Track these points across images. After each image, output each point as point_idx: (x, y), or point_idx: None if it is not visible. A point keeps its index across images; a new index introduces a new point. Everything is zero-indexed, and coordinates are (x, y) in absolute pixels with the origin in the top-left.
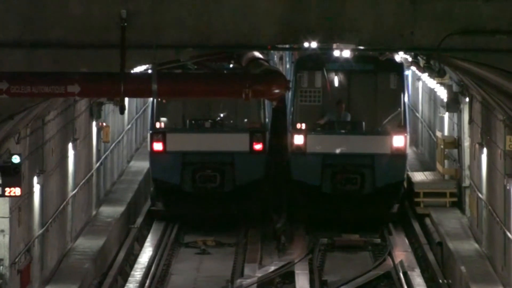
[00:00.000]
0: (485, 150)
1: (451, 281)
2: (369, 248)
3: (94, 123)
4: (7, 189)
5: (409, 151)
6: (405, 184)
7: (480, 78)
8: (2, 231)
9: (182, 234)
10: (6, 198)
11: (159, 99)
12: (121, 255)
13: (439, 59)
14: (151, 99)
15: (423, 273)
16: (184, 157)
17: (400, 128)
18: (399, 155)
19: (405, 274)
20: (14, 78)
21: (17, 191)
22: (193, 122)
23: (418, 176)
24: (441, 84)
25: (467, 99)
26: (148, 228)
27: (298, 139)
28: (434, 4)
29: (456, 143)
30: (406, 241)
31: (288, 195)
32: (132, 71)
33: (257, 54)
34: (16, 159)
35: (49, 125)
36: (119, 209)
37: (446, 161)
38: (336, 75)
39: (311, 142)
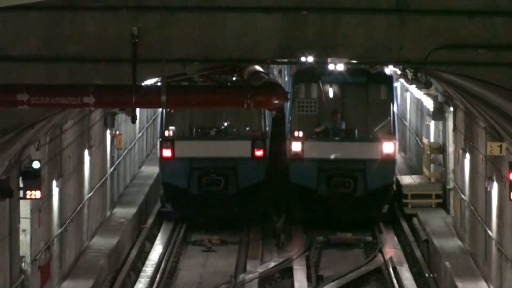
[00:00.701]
0: (468, 155)
1: (436, 275)
2: (361, 245)
3: (108, 131)
4: (28, 192)
5: (398, 157)
6: (394, 187)
7: (463, 89)
8: (24, 230)
9: (190, 233)
10: (27, 200)
11: (168, 109)
12: (134, 252)
13: (426, 72)
14: (160, 109)
15: (411, 268)
16: (191, 163)
17: (390, 135)
18: (389, 160)
19: (394, 269)
20: (34, 90)
21: (37, 194)
22: (199, 130)
23: (406, 179)
24: (428, 94)
25: (451, 109)
26: (158, 228)
27: (296, 146)
28: (421, 21)
29: (441, 149)
30: (395, 239)
31: (287, 197)
32: (142, 84)
33: (258, 67)
34: (36, 164)
35: (67, 133)
36: (131, 211)
37: (432, 166)
38: (330, 86)
39: (308, 148)
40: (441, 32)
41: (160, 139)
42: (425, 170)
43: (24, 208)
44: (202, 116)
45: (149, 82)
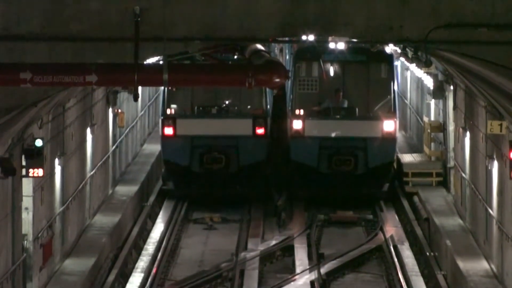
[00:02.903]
0: (468, 133)
1: (437, 253)
2: (362, 223)
3: (110, 109)
4: (31, 170)
5: (399, 135)
6: (395, 165)
7: (463, 68)
8: (26, 208)
9: (191, 211)
10: (30, 178)
11: (170, 88)
12: (135, 230)
13: (426, 50)
14: (162, 87)
15: (412, 246)
16: (192, 141)
17: (390, 113)
18: (389, 139)
19: (395, 247)
20: (36, 68)
21: (39, 172)
22: (200, 108)
23: (407, 158)
24: (428, 73)
25: (452, 87)
26: (160, 206)
27: (297, 124)
28: (421, 0)
29: (441, 127)
30: (396, 217)
31: (288, 175)
32: (145, 62)
33: (259, 46)
34: (39, 142)
35: (69, 112)
36: (133, 189)
37: (432, 144)
38: (331, 65)
39: (309, 126)
40: (441, 11)
41: (162, 117)
42: (425, 148)
43: (27, 186)
44: (203, 94)
45: (151, 60)
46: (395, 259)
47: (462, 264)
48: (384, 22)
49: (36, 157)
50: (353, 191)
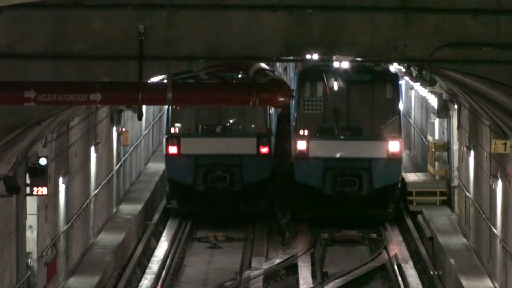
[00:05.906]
0: (472, 152)
1: (441, 272)
2: (366, 242)
3: (114, 128)
4: (35, 189)
5: (403, 154)
6: (399, 184)
7: (467, 87)
8: (31, 227)
9: (195, 229)
10: (34, 197)
11: (174, 107)
12: (139, 249)
13: (430, 69)
14: (166, 106)
15: (416, 265)
16: (196, 160)
17: (396, 134)
18: (395, 159)
19: (399, 266)
20: (40, 87)
21: (44, 190)
22: (205, 127)
23: (411, 177)
24: (432, 92)
25: (456, 106)
26: (164, 224)
27: (301, 145)
28: (425, 19)
29: (445, 146)
30: (400, 236)
31: (292, 195)
32: (149, 81)
33: (263, 65)
34: (43, 161)
35: (73, 130)
36: (137, 207)
37: (436, 163)
38: (336, 85)
39: (313, 147)
40: (445, 30)
41: (166, 136)
42: (429, 167)
43: (31, 205)
44: (207, 113)
45: (155, 79)
46: (399, 278)
47: (466, 283)
48: (388, 41)
49: (40, 176)
50: (357, 212)
